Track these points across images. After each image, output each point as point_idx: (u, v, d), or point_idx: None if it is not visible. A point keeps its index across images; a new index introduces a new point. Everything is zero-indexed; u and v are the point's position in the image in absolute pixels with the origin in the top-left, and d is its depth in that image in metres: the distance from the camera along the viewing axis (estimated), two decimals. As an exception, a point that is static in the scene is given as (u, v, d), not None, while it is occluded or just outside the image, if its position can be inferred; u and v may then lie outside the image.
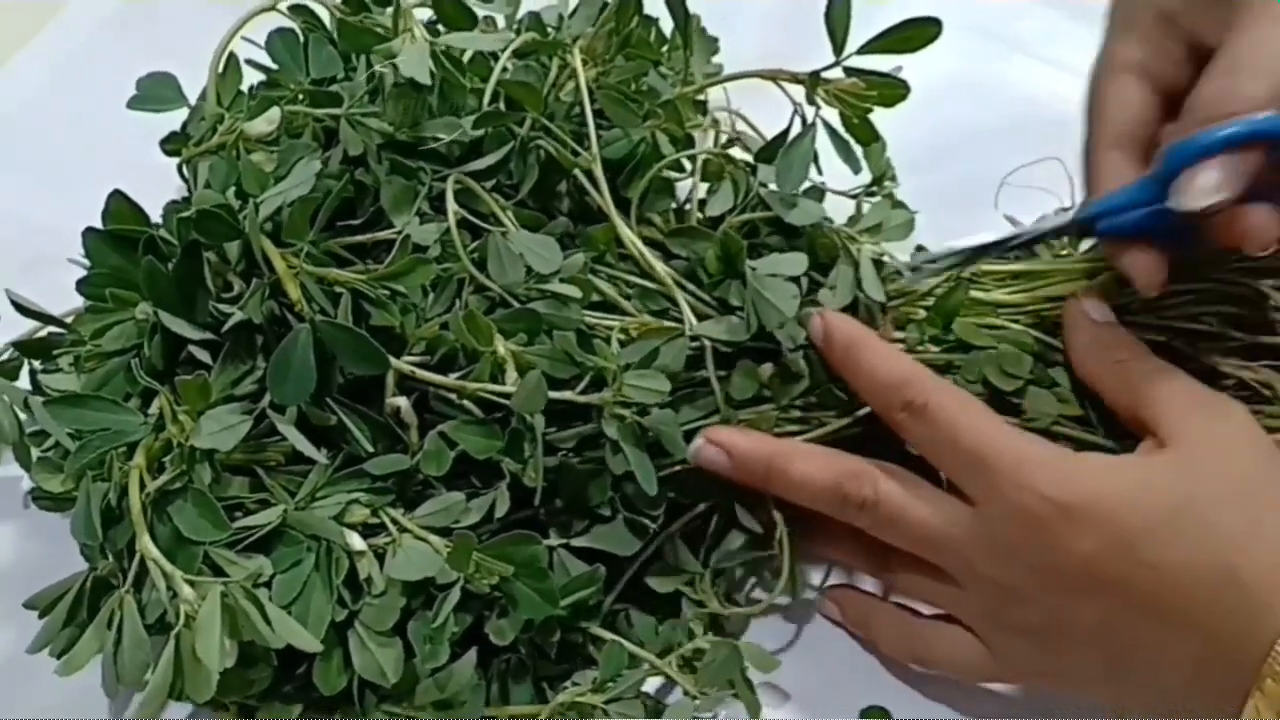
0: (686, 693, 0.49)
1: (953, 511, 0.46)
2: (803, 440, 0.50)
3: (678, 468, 0.48)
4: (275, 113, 0.50)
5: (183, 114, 0.55)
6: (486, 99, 0.54)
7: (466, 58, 0.56)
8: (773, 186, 0.53)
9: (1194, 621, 0.42)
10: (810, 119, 0.51)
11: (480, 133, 0.53)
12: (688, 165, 0.56)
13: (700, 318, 0.50)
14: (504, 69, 0.54)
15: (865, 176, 0.58)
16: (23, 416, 0.49)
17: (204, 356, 0.45)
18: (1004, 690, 0.52)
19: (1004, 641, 0.47)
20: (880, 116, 0.51)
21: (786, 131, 0.52)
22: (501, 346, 0.45)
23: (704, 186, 0.56)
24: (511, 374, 0.45)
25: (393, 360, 0.45)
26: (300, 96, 0.53)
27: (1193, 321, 0.52)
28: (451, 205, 0.49)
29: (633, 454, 0.46)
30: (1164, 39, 0.49)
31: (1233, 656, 0.41)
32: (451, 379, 0.46)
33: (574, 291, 0.47)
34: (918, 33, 0.47)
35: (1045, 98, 0.71)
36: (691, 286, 0.51)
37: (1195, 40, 0.47)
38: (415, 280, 0.45)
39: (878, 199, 0.59)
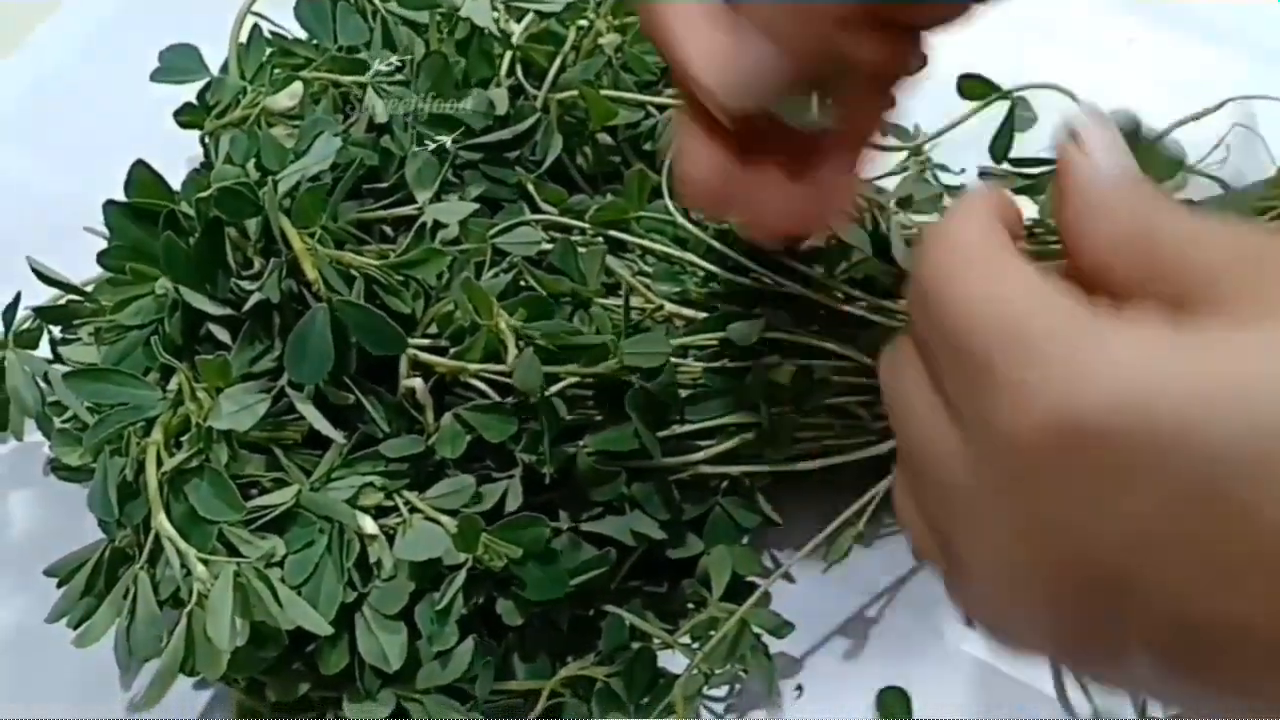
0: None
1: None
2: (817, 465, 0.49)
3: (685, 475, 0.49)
4: (298, 87, 0.49)
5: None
6: (504, 69, 0.54)
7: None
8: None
9: None
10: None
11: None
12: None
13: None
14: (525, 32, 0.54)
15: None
16: (43, 386, 0.50)
17: (223, 335, 0.45)
18: (1026, 679, 0.51)
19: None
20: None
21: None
22: (503, 322, 0.44)
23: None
24: (512, 351, 0.44)
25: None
26: (325, 64, 0.53)
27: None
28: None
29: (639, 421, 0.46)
30: None
31: None
32: (451, 359, 0.45)
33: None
34: None
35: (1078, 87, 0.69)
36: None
37: None
38: (430, 270, 0.45)
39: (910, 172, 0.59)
